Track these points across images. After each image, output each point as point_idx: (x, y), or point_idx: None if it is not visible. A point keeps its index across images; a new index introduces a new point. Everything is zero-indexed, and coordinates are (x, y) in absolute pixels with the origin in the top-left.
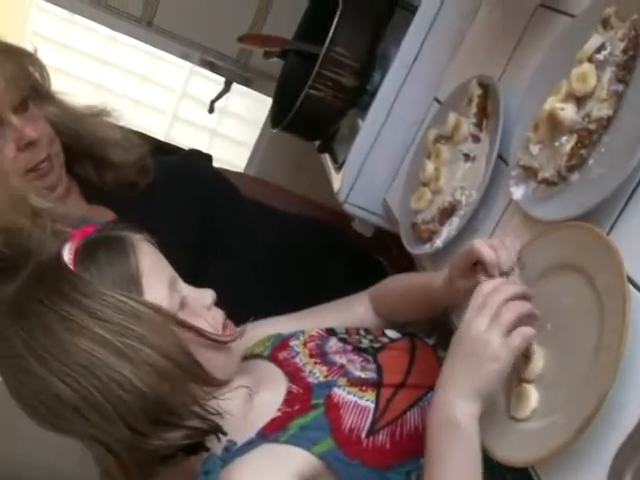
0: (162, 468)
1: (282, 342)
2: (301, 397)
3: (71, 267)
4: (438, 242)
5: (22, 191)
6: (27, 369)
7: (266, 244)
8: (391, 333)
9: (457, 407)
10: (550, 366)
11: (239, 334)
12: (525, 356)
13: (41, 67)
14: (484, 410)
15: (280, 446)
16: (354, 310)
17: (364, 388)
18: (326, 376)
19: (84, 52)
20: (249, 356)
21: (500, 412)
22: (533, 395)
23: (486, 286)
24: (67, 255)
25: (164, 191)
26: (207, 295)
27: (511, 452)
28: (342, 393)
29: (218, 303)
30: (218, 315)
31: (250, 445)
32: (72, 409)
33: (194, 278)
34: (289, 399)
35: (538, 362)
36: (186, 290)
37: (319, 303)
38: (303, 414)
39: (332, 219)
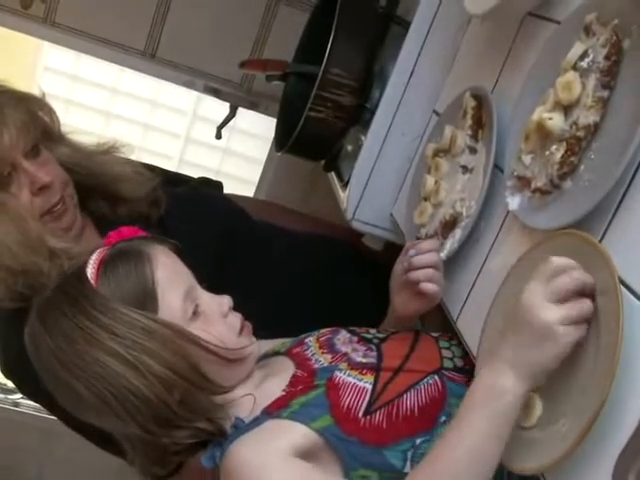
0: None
1: (300, 340)
2: (305, 379)
3: (92, 281)
4: (442, 255)
5: (39, 233)
6: (54, 372)
7: (280, 263)
8: None
9: (510, 378)
10: (552, 373)
11: (247, 349)
12: None
13: (50, 110)
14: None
15: (281, 421)
16: None
17: (364, 371)
18: (330, 362)
19: (95, 83)
20: (270, 354)
21: None
22: (538, 403)
23: (556, 260)
24: (91, 269)
25: (176, 221)
26: (224, 302)
27: (522, 461)
28: (343, 375)
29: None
30: (235, 320)
31: (255, 422)
32: (90, 407)
33: None
34: (294, 381)
35: None
36: (204, 296)
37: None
38: (305, 393)
39: (342, 235)
